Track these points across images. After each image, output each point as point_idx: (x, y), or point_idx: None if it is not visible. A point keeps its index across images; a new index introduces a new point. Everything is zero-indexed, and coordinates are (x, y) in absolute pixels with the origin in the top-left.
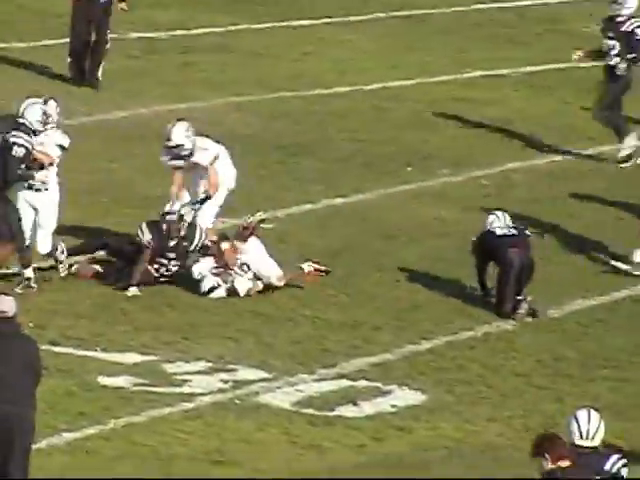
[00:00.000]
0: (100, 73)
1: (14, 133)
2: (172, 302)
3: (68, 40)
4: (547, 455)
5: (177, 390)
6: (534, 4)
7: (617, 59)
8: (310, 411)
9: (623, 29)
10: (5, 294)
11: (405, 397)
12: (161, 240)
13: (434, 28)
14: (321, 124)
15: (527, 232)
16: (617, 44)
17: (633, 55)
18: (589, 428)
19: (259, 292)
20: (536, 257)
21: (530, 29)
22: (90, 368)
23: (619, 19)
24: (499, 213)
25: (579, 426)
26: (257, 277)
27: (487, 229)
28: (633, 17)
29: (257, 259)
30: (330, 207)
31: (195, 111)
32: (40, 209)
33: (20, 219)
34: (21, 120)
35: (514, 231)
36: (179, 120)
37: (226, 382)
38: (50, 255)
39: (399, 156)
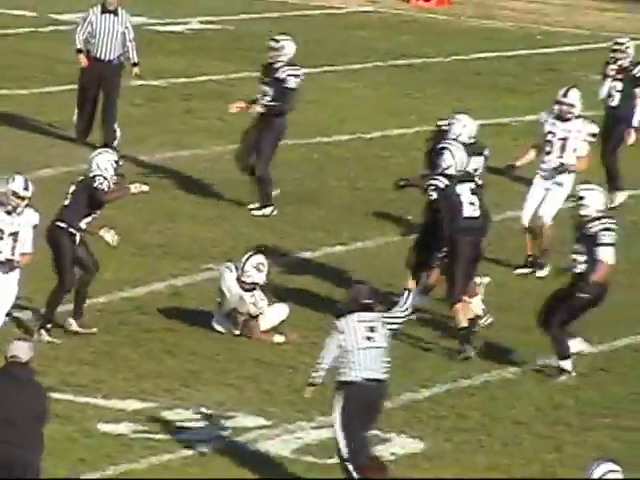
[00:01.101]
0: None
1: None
2: (172, 350)
3: (74, 89)
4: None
5: (177, 437)
6: (534, 53)
7: (269, 106)
8: (309, 459)
9: (276, 75)
10: (23, 339)
11: (404, 445)
12: None
13: (434, 77)
14: (321, 172)
15: None
16: (270, 90)
17: (278, 103)
18: None
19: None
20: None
21: (531, 78)
22: (90, 415)
23: (276, 65)
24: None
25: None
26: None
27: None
28: (290, 65)
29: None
30: (330, 255)
31: (196, 158)
32: (6, 290)
33: None
34: None
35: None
36: None
37: (225, 429)
38: None
39: (399, 204)
